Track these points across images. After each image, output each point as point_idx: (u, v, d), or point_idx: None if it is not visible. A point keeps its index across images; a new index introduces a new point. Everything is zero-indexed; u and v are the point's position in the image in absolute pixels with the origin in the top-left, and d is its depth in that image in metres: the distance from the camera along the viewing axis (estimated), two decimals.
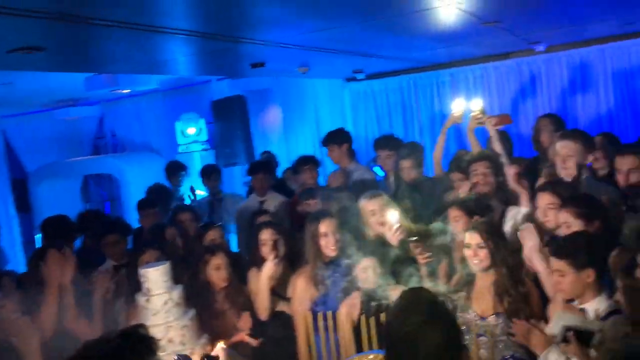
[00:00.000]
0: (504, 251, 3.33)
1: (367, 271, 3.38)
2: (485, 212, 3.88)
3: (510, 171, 4.10)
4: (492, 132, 4.63)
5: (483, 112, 4.92)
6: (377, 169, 5.91)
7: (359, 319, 3.27)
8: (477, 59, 7.38)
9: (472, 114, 4.95)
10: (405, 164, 5.03)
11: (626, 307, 2.54)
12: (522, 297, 3.24)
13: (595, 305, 2.83)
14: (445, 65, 7.57)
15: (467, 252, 3.37)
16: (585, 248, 2.86)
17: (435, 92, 7.71)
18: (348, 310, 3.25)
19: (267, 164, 6.14)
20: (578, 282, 2.84)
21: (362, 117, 8.15)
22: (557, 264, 2.88)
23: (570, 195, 3.42)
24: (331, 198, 4.48)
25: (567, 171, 4.03)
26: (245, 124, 7.69)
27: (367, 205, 3.94)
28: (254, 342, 3.63)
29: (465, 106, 5.12)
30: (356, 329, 3.32)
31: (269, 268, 3.81)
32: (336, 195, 4.57)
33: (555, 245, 3.00)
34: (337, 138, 5.44)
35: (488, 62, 7.39)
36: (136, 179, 7.85)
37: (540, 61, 7.12)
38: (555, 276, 2.92)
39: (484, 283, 3.36)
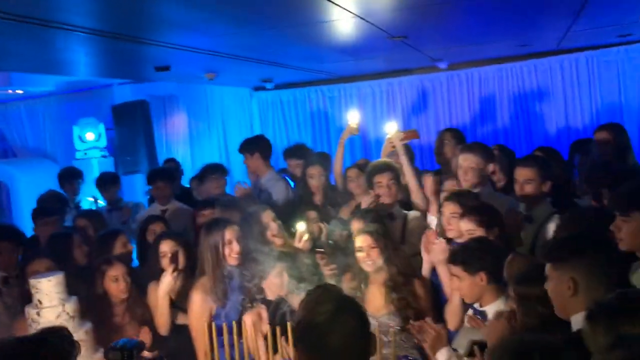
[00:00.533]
0: (393, 252, 3.53)
1: (279, 276, 3.33)
2: (384, 222, 3.96)
3: (428, 181, 4.19)
4: (399, 146, 4.73)
5: (358, 125, 5.18)
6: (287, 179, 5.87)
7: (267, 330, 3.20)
8: (383, 73, 7.58)
9: (350, 124, 5.11)
10: (312, 170, 5.04)
11: (518, 314, 2.63)
12: (411, 295, 3.41)
13: (495, 308, 2.93)
14: (352, 78, 7.72)
15: (360, 255, 3.51)
16: (477, 253, 2.99)
17: (343, 105, 7.82)
18: (254, 320, 3.18)
19: (167, 171, 5.89)
20: (474, 286, 2.99)
21: (270, 127, 8.13)
22: (453, 269, 3.04)
23: (471, 205, 3.54)
24: (232, 206, 4.39)
25: (468, 182, 4.18)
26: (148, 131, 7.41)
27: (266, 216, 3.90)
28: (149, 355, 3.46)
29: (360, 118, 5.26)
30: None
31: (167, 282, 3.66)
32: (237, 204, 4.48)
33: (451, 252, 3.12)
34: (249, 146, 5.34)
35: (393, 77, 7.61)
36: (28, 186, 7.37)
37: (442, 78, 7.41)
38: (455, 281, 3.04)
39: (377, 283, 3.50)
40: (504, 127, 7.17)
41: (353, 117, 5.19)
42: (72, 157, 7.76)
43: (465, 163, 4.20)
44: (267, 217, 3.83)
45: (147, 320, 3.77)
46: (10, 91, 6.65)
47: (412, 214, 4.37)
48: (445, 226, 3.75)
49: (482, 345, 2.60)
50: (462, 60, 7.06)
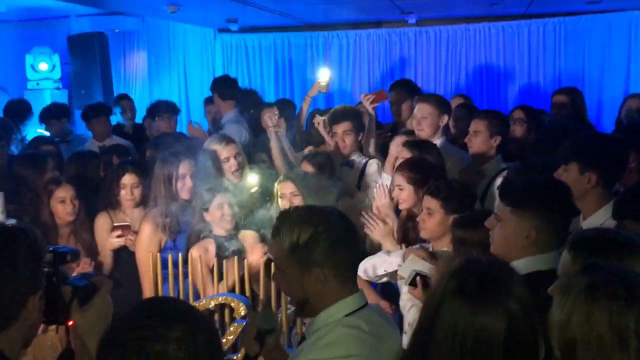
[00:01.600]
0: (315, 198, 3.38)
1: (222, 208, 3.25)
2: (333, 168, 3.92)
3: (398, 140, 4.00)
4: (369, 109, 4.62)
5: (328, 83, 4.95)
6: None
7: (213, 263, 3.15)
8: (351, 24, 7.46)
9: (320, 81, 4.91)
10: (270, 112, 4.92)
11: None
12: None
13: (447, 252, 2.93)
14: (319, 27, 7.56)
15: (282, 203, 3.42)
16: (458, 195, 2.97)
17: (309, 54, 7.69)
18: (201, 253, 3.12)
19: (102, 107, 5.69)
20: (442, 225, 2.94)
21: (233, 71, 7.93)
22: (430, 202, 2.97)
23: (404, 162, 3.48)
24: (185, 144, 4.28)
25: (423, 132, 4.14)
26: (105, 65, 7.13)
27: (222, 151, 3.80)
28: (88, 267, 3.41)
29: (330, 75, 5.09)
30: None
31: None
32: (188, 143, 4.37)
33: (434, 186, 3.07)
34: (216, 87, 5.23)
35: (361, 29, 7.49)
36: None
37: (410, 34, 7.34)
38: (423, 215, 2.99)
39: None
40: (467, 87, 7.15)
41: (324, 75, 5.03)
42: (24, 88, 7.44)
43: (420, 113, 4.15)
44: (229, 151, 3.74)
45: (93, 249, 3.70)
46: None
47: (373, 161, 4.30)
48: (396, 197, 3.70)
49: (424, 277, 2.62)
50: (432, 17, 6.99)
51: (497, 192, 3.39)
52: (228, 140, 3.87)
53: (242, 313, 2.85)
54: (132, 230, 3.57)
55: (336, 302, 1.75)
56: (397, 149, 3.80)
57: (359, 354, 1.67)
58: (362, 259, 2.86)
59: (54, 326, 2.13)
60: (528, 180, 2.69)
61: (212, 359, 1.24)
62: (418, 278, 2.60)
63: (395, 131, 4.80)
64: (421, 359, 1.47)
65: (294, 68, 7.79)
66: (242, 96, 5.28)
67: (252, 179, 3.73)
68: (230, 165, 3.73)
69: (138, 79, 8.12)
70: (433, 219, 2.95)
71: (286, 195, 3.41)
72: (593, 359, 1.38)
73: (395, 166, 3.49)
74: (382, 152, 4.59)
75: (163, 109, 5.35)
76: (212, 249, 3.19)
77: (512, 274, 1.55)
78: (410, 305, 2.78)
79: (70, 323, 1.55)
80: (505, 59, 7.17)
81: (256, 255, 3.22)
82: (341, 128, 4.24)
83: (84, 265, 3.50)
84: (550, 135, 3.63)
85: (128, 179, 3.71)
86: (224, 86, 5.25)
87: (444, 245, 2.94)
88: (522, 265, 2.09)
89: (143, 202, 3.74)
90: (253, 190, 3.68)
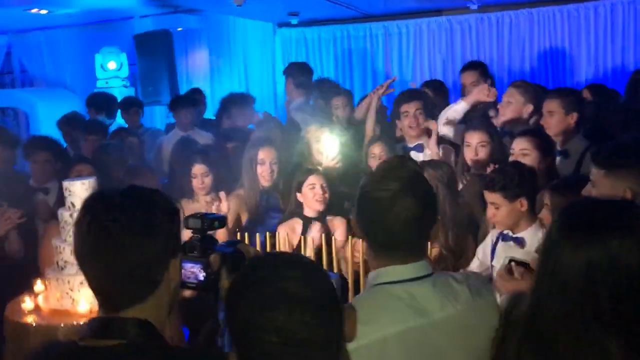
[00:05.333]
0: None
1: (313, 188, 3.30)
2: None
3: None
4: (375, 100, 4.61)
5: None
6: None
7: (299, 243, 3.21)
8: (411, 13, 7.41)
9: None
10: (338, 101, 4.98)
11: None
12: None
13: (531, 234, 2.90)
14: (379, 17, 7.54)
15: (371, 162, 3.67)
16: (517, 179, 2.93)
17: (368, 45, 7.67)
18: (288, 231, 3.18)
19: (190, 98, 5.85)
20: (512, 212, 2.92)
21: None
22: (491, 196, 2.94)
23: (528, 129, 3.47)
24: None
25: (504, 117, 4.11)
26: (170, 62, 7.33)
27: (315, 132, 3.87)
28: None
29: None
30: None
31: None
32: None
33: (488, 179, 3.05)
34: (288, 70, 5.33)
35: (421, 18, 7.43)
36: (47, 115, 7.32)
37: (471, 20, 7.23)
38: (490, 210, 2.97)
39: None
40: (532, 74, 7.00)
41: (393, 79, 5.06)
42: (93, 87, 7.70)
43: (506, 97, 4.13)
44: (315, 136, 3.82)
45: None
46: (35, 10, 6.51)
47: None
48: (470, 157, 3.69)
49: (521, 264, 2.56)
50: (494, 2, 6.87)
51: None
52: (322, 123, 3.95)
53: None
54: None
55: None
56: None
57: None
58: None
59: None
60: (617, 142, 2.64)
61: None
62: (513, 264, 2.56)
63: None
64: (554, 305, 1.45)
65: (353, 60, 7.79)
66: (317, 84, 5.34)
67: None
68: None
69: (200, 75, 8.29)
70: (501, 211, 2.92)
71: (376, 155, 3.51)
72: None
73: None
74: None
75: (242, 100, 5.44)
76: (299, 228, 3.25)
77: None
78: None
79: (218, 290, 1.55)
80: (570, 43, 6.98)
81: (340, 237, 3.28)
82: (414, 107, 4.21)
83: None
84: None
85: (198, 169, 3.83)
86: (298, 72, 5.33)
87: (523, 230, 2.92)
88: None
89: (216, 188, 3.85)
90: (334, 161, 3.75)
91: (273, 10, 6.85)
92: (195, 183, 3.78)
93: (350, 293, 3.04)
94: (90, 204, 1.42)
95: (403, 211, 1.57)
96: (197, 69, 8.34)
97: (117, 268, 1.36)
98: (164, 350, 1.39)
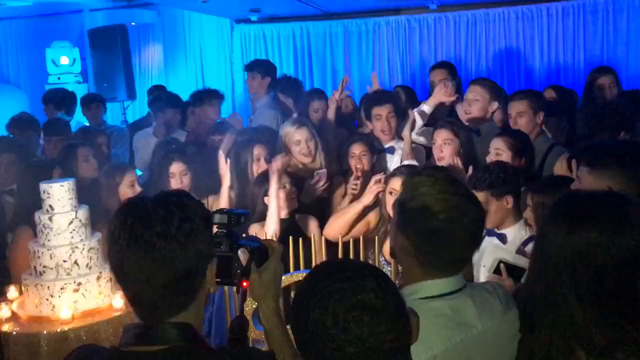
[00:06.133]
0: None
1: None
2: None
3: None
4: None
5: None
6: None
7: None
8: (370, 12, 7.48)
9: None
10: (317, 105, 4.93)
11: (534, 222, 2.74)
12: None
13: (514, 231, 2.98)
14: (339, 15, 7.58)
15: (352, 162, 3.78)
16: (503, 177, 3.01)
17: (328, 43, 7.70)
18: (256, 231, 3.22)
19: (175, 97, 5.70)
20: (500, 210, 2.99)
21: None
22: (478, 195, 3.00)
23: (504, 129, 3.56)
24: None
25: (471, 115, 4.18)
26: (126, 57, 7.12)
27: (294, 134, 3.85)
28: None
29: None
30: None
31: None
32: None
33: (475, 178, 3.11)
34: (255, 67, 5.25)
35: (380, 17, 7.52)
36: None
37: (430, 19, 7.37)
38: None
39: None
40: (487, 72, 7.19)
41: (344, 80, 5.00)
42: (42, 83, 7.41)
43: (470, 95, 4.19)
44: (302, 134, 3.81)
45: None
46: None
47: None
48: (436, 155, 3.76)
49: (509, 266, 2.63)
50: (452, 2, 7.02)
51: (554, 169, 3.52)
52: (301, 123, 3.92)
53: None
54: None
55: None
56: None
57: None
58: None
59: None
60: (603, 141, 2.77)
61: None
62: (502, 266, 2.61)
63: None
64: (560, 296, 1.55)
65: (313, 57, 7.80)
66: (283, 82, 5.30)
67: None
68: (301, 148, 3.79)
69: (154, 71, 8.11)
70: (490, 208, 2.96)
71: (356, 155, 3.65)
72: None
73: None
74: None
75: (212, 95, 5.35)
76: (271, 230, 3.23)
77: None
78: None
79: (245, 284, 1.55)
80: (525, 43, 7.21)
81: (317, 235, 3.32)
82: (386, 110, 4.21)
83: None
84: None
85: (176, 168, 3.75)
86: (264, 68, 5.27)
87: (508, 227, 3.01)
88: None
89: (197, 188, 3.79)
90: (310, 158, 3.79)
91: (234, 6, 6.76)
92: (174, 182, 3.70)
93: None
94: (124, 216, 1.37)
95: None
96: (150, 64, 8.16)
97: (160, 281, 1.33)
98: (208, 353, 1.39)
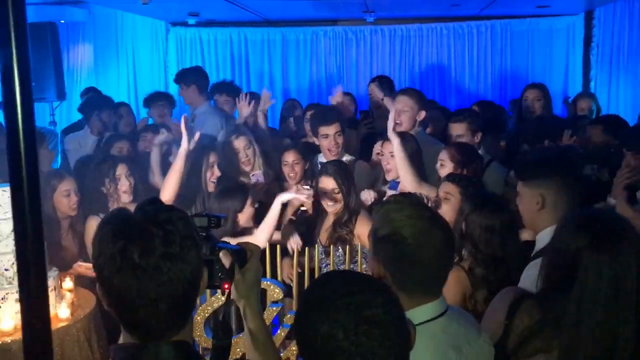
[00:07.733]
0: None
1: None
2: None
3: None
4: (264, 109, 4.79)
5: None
6: None
7: None
8: (308, 21, 7.57)
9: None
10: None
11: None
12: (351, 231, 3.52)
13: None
14: (277, 23, 7.62)
15: (286, 170, 3.88)
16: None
17: (266, 50, 7.72)
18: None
19: (109, 98, 5.52)
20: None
21: (187, 66, 7.81)
22: (447, 186, 3.17)
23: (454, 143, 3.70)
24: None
25: (401, 125, 4.28)
26: (56, 56, 6.82)
27: (233, 143, 3.87)
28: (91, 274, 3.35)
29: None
30: None
31: None
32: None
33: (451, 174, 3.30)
34: (186, 77, 5.16)
35: (318, 26, 7.62)
36: None
37: (366, 32, 7.55)
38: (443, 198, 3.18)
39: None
40: (420, 85, 7.40)
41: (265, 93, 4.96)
42: None
43: (399, 105, 4.27)
44: (239, 144, 3.83)
45: (83, 249, 3.63)
46: None
47: (361, 162, 4.35)
48: (385, 167, 3.87)
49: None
50: (390, 16, 7.23)
51: (490, 182, 3.70)
52: (238, 132, 3.94)
53: (278, 297, 2.92)
54: None
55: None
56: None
57: None
58: None
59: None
60: (531, 154, 2.95)
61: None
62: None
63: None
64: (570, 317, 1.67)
65: (250, 64, 7.80)
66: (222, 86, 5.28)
67: None
68: (241, 157, 3.81)
69: (83, 71, 7.84)
70: (453, 200, 3.12)
71: (289, 162, 3.80)
72: None
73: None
74: (367, 142, 4.77)
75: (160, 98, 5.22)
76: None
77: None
78: None
79: (226, 286, 1.54)
80: (455, 59, 7.53)
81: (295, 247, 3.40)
82: (333, 129, 4.17)
83: (79, 267, 3.45)
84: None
85: (121, 170, 3.68)
86: (202, 77, 5.22)
87: None
88: (546, 235, 2.28)
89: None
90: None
91: (172, 9, 6.66)
92: (121, 186, 3.62)
93: (294, 301, 3.10)
94: (122, 242, 1.27)
95: (437, 244, 1.65)
96: (79, 63, 7.88)
97: (167, 303, 1.29)
98: None
